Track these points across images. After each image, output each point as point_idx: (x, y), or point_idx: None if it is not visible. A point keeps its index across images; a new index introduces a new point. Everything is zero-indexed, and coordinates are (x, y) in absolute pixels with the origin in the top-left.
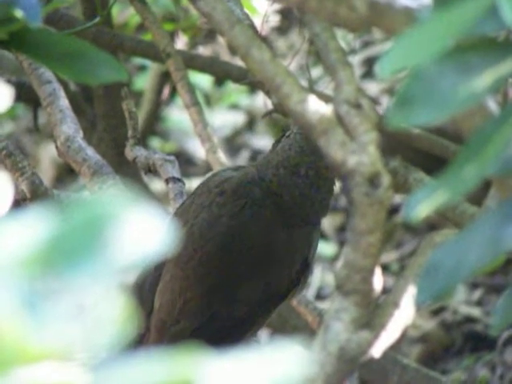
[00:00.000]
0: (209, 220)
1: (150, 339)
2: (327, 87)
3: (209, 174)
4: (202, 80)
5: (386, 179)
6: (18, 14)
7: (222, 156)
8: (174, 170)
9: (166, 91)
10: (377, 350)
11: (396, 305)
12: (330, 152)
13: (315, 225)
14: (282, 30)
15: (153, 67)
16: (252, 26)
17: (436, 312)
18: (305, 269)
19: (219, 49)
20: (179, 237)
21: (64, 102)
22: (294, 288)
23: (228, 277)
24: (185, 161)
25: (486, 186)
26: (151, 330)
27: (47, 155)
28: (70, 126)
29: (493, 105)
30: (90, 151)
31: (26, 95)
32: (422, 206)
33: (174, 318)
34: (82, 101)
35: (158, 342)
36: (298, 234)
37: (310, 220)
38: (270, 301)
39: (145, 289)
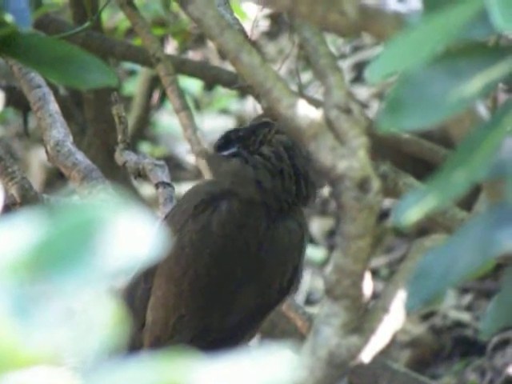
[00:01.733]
0: (198, 231)
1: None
2: (317, 92)
3: (192, 186)
4: (192, 85)
5: (375, 184)
6: (8, 18)
7: None
8: (163, 175)
9: (156, 96)
10: (366, 355)
11: (386, 310)
12: (320, 157)
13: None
14: (271, 34)
15: (142, 72)
16: (242, 31)
17: (426, 317)
18: (294, 276)
19: (209, 53)
20: (168, 245)
21: (54, 106)
22: (284, 297)
23: (222, 290)
24: (174, 165)
25: (475, 190)
26: (145, 345)
27: (37, 160)
28: (59, 131)
29: (483, 110)
30: (80, 156)
31: (16, 100)
32: (412, 210)
33: (168, 334)
34: (72, 105)
35: None
36: (289, 242)
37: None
38: (261, 311)
39: (135, 298)
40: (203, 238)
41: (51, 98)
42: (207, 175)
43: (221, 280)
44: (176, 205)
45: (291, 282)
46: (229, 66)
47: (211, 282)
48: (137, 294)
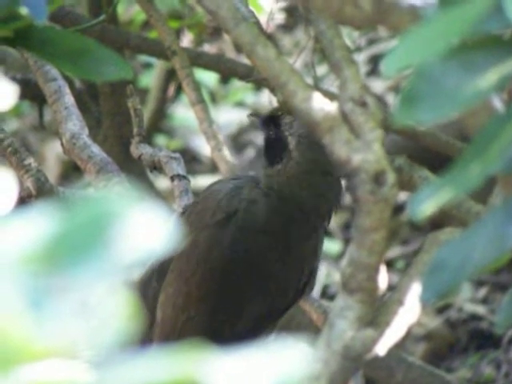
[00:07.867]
0: (215, 233)
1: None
2: (332, 85)
3: (209, 185)
4: (208, 77)
5: (390, 177)
6: (24, 11)
7: (228, 153)
8: (179, 168)
9: (172, 89)
10: (381, 348)
11: (401, 303)
12: (335, 150)
13: (319, 228)
14: (287, 27)
15: (158, 65)
16: (257, 24)
17: (441, 310)
18: (310, 279)
19: (225, 46)
20: (182, 241)
21: (69, 99)
22: (299, 298)
23: (233, 293)
24: (190, 158)
25: (491, 183)
26: (155, 342)
27: (53, 152)
28: (75, 124)
29: (498, 103)
30: (96, 148)
31: (32, 93)
32: (427, 203)
33: (177, 334)
34: (88, 98)
35: None
36: (307, 246)
37: (315, 224)
38: (274, 314)
39: (147, 295)
40: (219, 238)
41: (67, 90)
42: (222, 169)
43: (231, 283)
44: (194, 202)
45: (306, 284)
46: (244, 59)
47: (221, 284)
48: (149, 292)
